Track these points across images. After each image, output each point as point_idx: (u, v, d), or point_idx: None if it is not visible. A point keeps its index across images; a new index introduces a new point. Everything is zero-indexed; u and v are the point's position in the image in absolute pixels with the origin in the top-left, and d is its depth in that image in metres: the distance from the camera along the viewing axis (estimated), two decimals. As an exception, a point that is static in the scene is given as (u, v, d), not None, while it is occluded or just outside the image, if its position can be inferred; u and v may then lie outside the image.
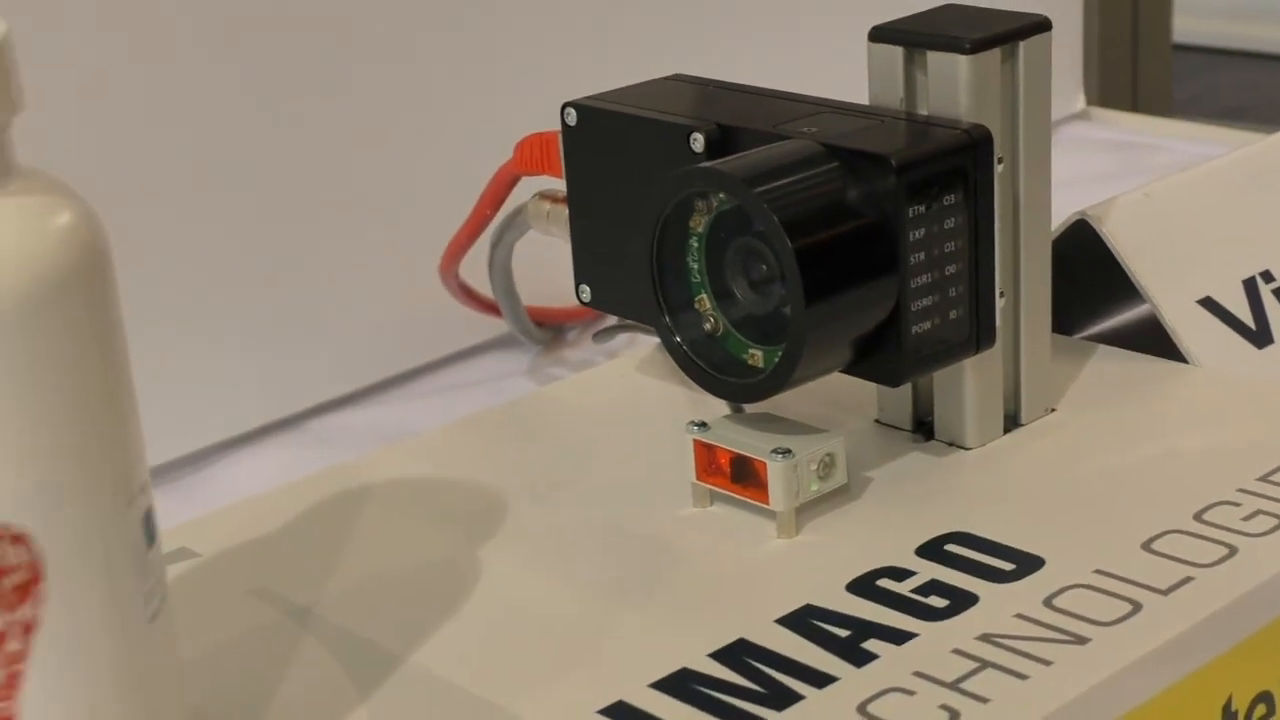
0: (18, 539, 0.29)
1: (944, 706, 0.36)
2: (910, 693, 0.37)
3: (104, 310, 0.31)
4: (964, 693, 0.37)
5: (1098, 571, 0.41)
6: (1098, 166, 0.85)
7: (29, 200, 0.30)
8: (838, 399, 0.49)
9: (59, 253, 0.30)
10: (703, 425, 0.44)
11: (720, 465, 0.44)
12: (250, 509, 0.47)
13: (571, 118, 0.48)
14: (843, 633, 0.39)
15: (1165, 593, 0.40)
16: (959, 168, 0.43)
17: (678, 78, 0.50)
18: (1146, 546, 0.41)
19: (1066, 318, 0.52)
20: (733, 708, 0.37)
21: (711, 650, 0.39)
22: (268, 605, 0.42)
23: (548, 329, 0.66)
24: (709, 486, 0.44)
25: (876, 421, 0.48)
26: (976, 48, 0.44)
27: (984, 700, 0.36)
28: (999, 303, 0.45)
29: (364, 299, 0.65)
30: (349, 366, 0.66)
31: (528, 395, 0.54)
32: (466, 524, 0.45)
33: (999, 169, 0.44)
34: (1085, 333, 0.54)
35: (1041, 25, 0.45)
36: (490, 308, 0.62)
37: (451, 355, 0.68)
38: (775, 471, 0.43)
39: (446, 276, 0.59)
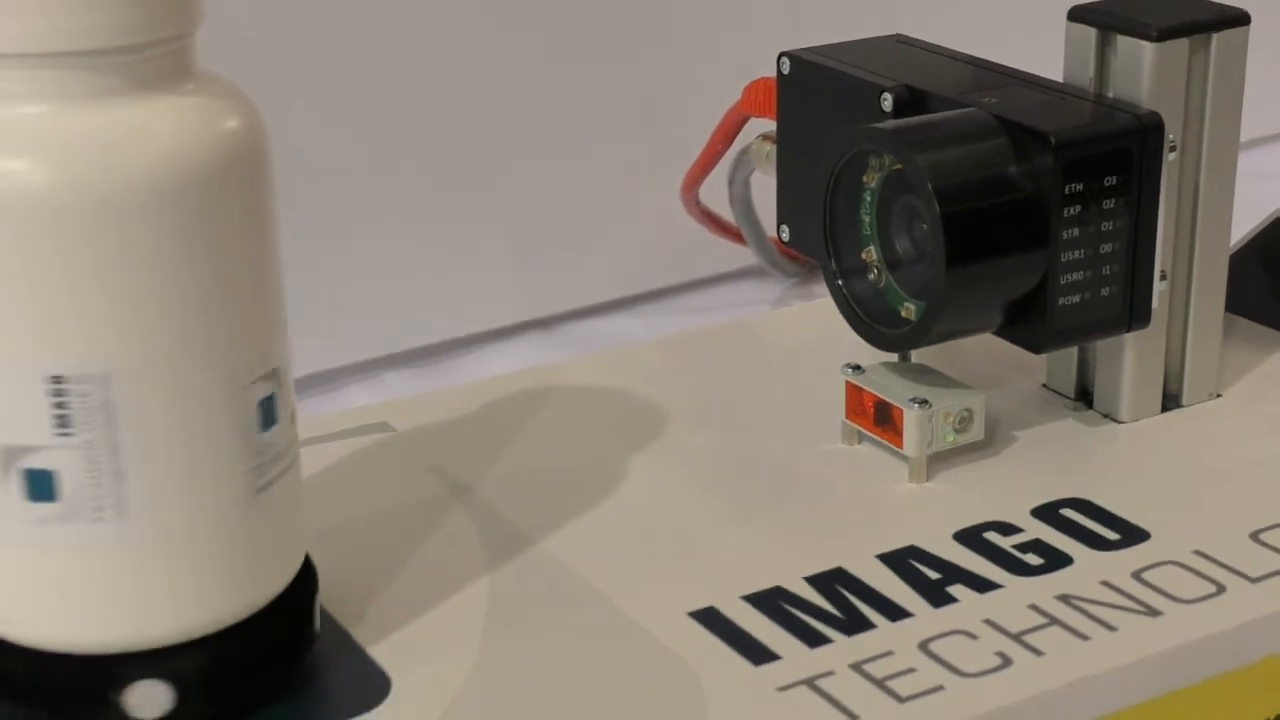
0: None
1: (999, 653, 0.39)
2: (974, 637, 0.39)
3: (246, 206, 0.35)
4: (1024, 644, 0.39)
5: (1196, 552, 0.42)
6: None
7: (197, 101, 0.35)
8: (1018, 360, 0.51)
9: (213, 150, 0.34)
10: (857, 368, 0.47)
11: (866, 407, 0.47)
12: (450, 396, 0.52)
13: (785, 67, 0.51)
14: (934, 575, 0.42)
15: (1254, 580, 0.41)
16: (1123, 151, 0.44)
17: (898, 38, 0.52)
18: (1255, 536, 0.43)
19: (1270, 311, 0.53)
20: (807, 626, 0.40)
21: (808, 574, 0.42)
22: (437, 481, 0.46)
23: (803, 265, 0.69)
24: (856, 426, 0.47)
25: (1044, 386, 0.50)
26: (1163, 36, 0.45)
27: (1039, 654, 0.39)
28: (1159, 285, 0.46)
29: (628, 216, 0.69)
30: (606, 278, 0.71)
31: (728, 322, 0.57)
32: (631, 434, 0.49)
33: (1171, 157, 0.45)
34: (1286, 326, 0.54)
35: (1239, 19, 0.46)
36: (734, 234, 0.65)
37: (708, 278, 0.72)
38: (911, 419, 0.45)
39: (687, 202, 0.63)
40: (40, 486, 0.34)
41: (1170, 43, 0.45)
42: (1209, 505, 0.44)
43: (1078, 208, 0.44)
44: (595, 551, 0.43)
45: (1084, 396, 0.49)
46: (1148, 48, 0.45)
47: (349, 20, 0.63)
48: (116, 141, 0.33)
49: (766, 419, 0.49)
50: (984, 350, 0.51)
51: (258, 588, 0.36)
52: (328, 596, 0.41)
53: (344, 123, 0.64)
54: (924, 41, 0.51)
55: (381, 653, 0.39)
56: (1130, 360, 0.48)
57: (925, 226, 0.45)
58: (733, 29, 0.68)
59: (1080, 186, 0.44)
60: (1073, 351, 0.49)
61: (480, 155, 0.67)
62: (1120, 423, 0.48)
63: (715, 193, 0.64)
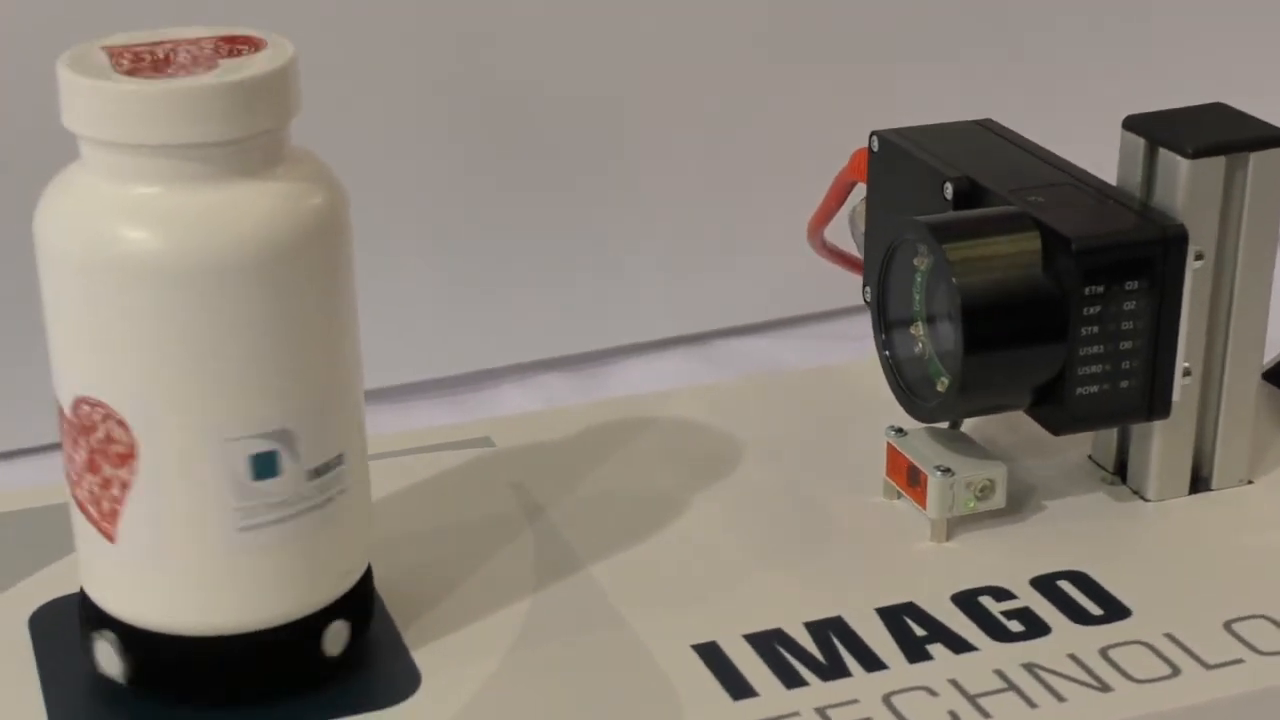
0: (120, 423, 0.41)
1: (951, 711, 0.43)
2: (935, 694, 0.44)
3: (312, 283, 0.42)
4: (975, 705, 0.43)
5: (1167, 635, 0.46)
6: None
7: (284, 185, 0.41)
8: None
9: (295, 228, 0.41)
10: (900, 431, 0.52)
11: (901, 468, 0.51)
12: (553, 417, 0.58)
13: (875, 144, 0.56)
14: (920, 632, 0.46)
15: (1209, 667, 0.45)
16: (1145, 259, 0.48)
17: (985, 124, 0.56)
18: (1228, 625, 0.46)
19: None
20: (791, 669, 0.45)
21: (809, 619, 0.47)
22: (515, 498, 0.53)
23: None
24: (894, 484, 0.52)
25: (1089, 457, 0.54)
26: (1199, 153, 0.49)
27: (986, 716, 0.43)
28: (1181, 380, 0.50)
29: (781, 240, 0.74)
30: (758, 299, 0.76)
31: (822, 367, 0.62)
32: (700, 468, 0.54)
33: (1198, 265, 0.49)
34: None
35: (1277, 139, 0.49)
36: (859, 267, 0.70)
37: (855, 306, 0.77)
38: (934, 485, 0.50)
39: (813, 244, 0.68)
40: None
41: (1206, 160, 0.49)
42: (1199, 590, 0.48)
43: (1097, 308, 0.48)
44: (632, 578, 0.49)
45: (1121, 471, 0.53)
46: (1184, 163, 0.49)
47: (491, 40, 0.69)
48: (215, 217, 0.40)
49: (828, 465, 0.54)
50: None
51: (247, 613, 0.43)
52: (393, 596, 0.48)
53: (502, 140, 0.70)
54: (1007, 130, 0.56)
55: (422, 654, 0.46)
56: (1159, 442, 0.51)
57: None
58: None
59: (1100, 289, 0.48)
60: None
61: (646, 175, 0.73)
62: (1147, 500, 0.52)
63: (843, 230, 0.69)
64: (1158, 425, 0.51)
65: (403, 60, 0.68)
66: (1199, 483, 0.53)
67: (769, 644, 0.46)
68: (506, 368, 0.73)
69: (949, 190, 0.52)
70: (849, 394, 0.59)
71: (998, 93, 0.76)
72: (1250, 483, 0.53)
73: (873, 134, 0.56)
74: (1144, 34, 0.79)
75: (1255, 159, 0.49)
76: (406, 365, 0.72)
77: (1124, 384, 0.49)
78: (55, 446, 0.44)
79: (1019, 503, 0.52)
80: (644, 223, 0.74)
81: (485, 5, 0.68)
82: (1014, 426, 0.55)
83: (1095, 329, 0.48)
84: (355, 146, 0.67)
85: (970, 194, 0.52)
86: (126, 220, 0.40)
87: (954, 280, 0.48)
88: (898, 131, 0.56)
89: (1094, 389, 0.49)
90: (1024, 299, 0.48)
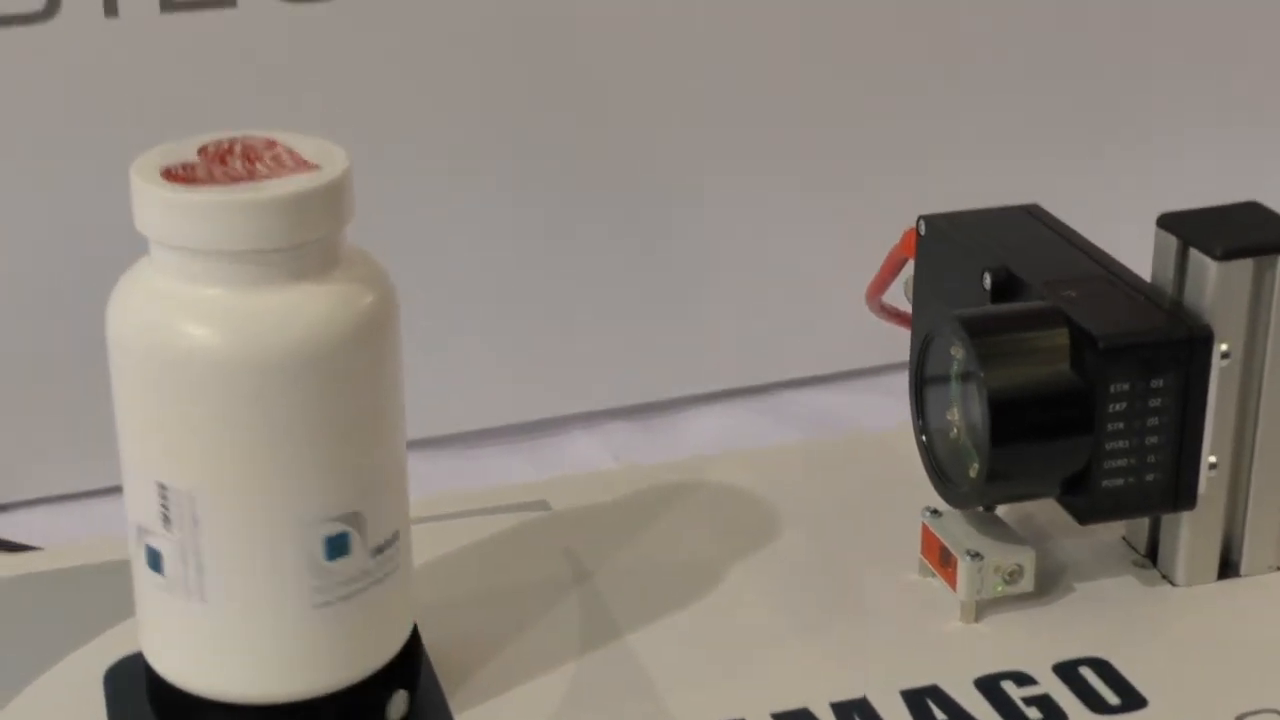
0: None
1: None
2: (949, 780, 0.46)
3: (364, 380, 0.44)
4: (982, 793, 0.45)
5: (1177, 727, 0.48)
6: None
7: (336, 288, 0.44)
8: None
9: (346, 328, 0.44)
10: (935, 513, 0.54)
11: (934, 548, 0.53)
12: (608, 479, 0.60)
13: (922, 228, 0.58)
14: (942, 717, 0.48)
15: (1214, 762, 0.46)
16: (1171, 358, 0.50)
17: (1031, 210, 0.58)
18: (1240, 717, 0.48)
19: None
20: (813, 749, 0.47)
21: (835, 700, 0.49)
22: (566, 563, 0.55)
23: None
24: (928, 563, 0.54)
25: (1122, 538, 0.56)
26: (1228, 255, 0.50)
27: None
28: (1208, 473, 0.51)
29: (844, 294, 0.76)
30: (821, 351, 0.78)
31: (871, 434, 0.64)
32: (746, 536, 0.56)
33: (1224, 364, 0.50)
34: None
35: (1306, 243, 0.51)
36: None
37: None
38: (963, 569, 0.52)
39: (871, 308, 0.70)
40: (154, 561, 0.45)
41: (1234, 262, 0.50)
42: (1216, 680, 0.50)
43: (1123, 404, 0.50)
44: (669, 650, 0.51)
45: (1152, 554, 0.55)
46: (1212, 265, 0.50)
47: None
48: (273, 318, 0.43)
49: (868, 538, 0.56)
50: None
51: (320, 679, 0.46)
52: (442, 659, 0.50)
53: (573, 187, 0.73)
54: (1050, 217, 0.57)
55: (466, 717, 0.48)
56: (1188, 530, 0.53)
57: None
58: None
59: (1126, 386, 0.50)
60: (1143, 513, 0.55)
61: (711, 228, 0.75)
62: (1175, 585, 0.54)
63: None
64: (1185, 514, 0.53)
65: (468, 106, 0.70)
66: (1228, 567, 0.54)
67: (794, 723, 0.48)
68: (575, 415, 0.76)
69: (988, 280, 0.54)
70: (896, 463, 0.61)
71: (1054, 174, 0.77)
72: (1279, 569, 0.54)
73: (920, 218, 0.58)
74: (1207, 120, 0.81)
75: (1285, 261, 0.51)
76: (478, 411, 0.74)
77: (1150, 477, 0.51)
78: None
79: (1049, 583, 0.54)
80: (711, 274, 0.76)
81: (547, 52, 0.71)
82: (1051, 503, 0.56)
83: (1121, 424, 0.50)
84: (424, 192, 0.70)
85: (1008, 284, 0.53)
86: (191, 319, 0.43)
87: (983, 375, 0.49)
88: (945, 217, 0.57)
89: (1120, 481, 0.51)
90: (1051, 394, 0.50)
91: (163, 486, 0.44)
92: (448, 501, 0.58)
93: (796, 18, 0.73)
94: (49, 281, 0.66)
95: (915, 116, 0.76)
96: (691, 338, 0.77)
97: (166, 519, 0.44)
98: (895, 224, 0.63)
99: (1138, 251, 0.54)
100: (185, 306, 0.43)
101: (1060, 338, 0.50)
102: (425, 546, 0.52)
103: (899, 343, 0.77)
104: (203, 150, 0.44)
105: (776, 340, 0.77)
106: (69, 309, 0.66)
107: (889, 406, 0.75)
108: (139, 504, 0.45)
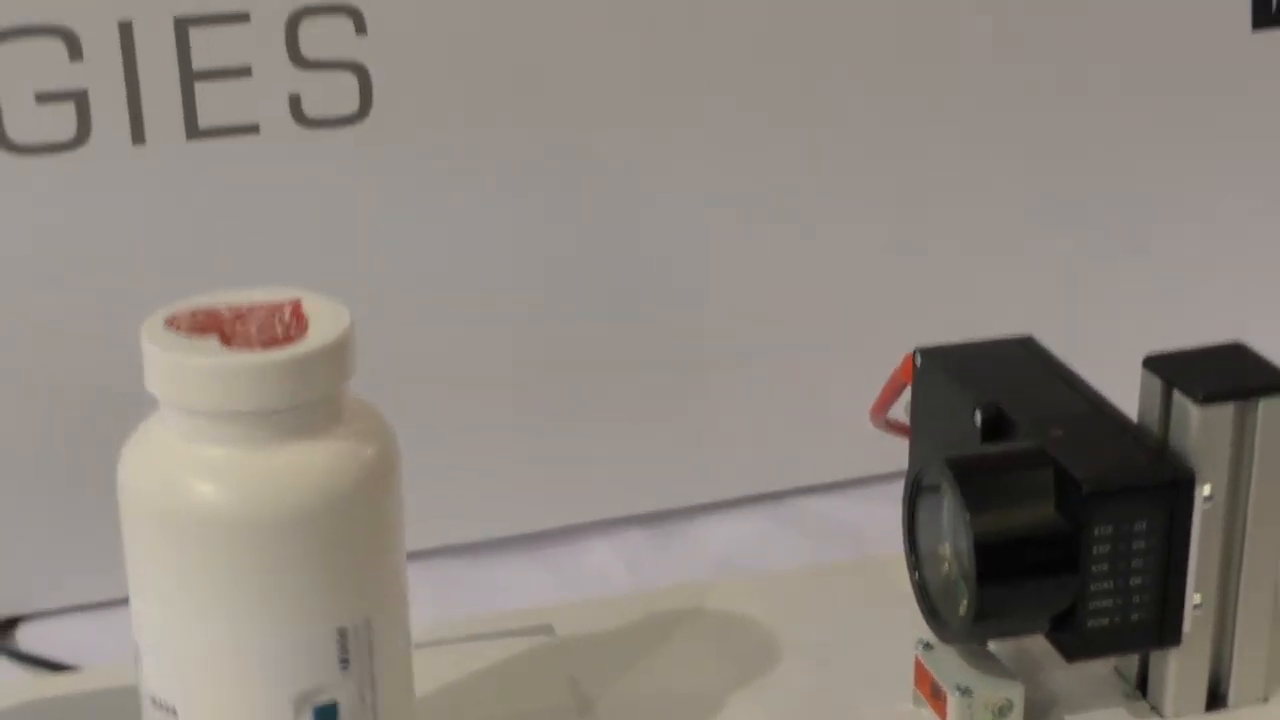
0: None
1: None
2: None
3: (371, 521, 0.46)
4: None
5: None
6: None
7: (340, 444, 0.46)
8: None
9: (350, 481, 0.45)
10: (927, 646, 0.55)
11: (926, 682, 0.55)
12: (613, 605, 0.62)
13: (918, 360, 0.59)
14: None
15: None
16: (1155, 501, 0.51)
17: (1026, 343, 0.59)
18: None
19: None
20: None
21: (823, 835, 0.50)
22: (568, 692, 0.57)
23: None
24: (921, 695, 0.55)
25: (1114, 669, 0.57)
26: (1209, 399, 0.51)
27: None
28: (1193, 612, 0.52)
29: (859, 401, 0.78)
30: (835, 459, 0.79)
31: (876, 558, 0.65)
32: (744, 665, 0.58)
33: (1207, 506, 0.52)
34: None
35: (1282, 387, 0.52)
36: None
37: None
38: (953, 704, 0.53)
39: (876, 424, 0.71)
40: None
41: (1216, 406, 0.51)
42: (1201, 816, 0.51)
43: (1107, 546, 0.51)
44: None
45: (1142, 685, 0.56)
46: (1194, 409, 0.52)
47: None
48: (278, 475, 0.45)
49: (866, 667, 0.58)
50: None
51: None
52: (444, 793, 0.52)
53: (603, 297, 0.74)
54: (1044, 351, 0.58)
55: None
56: (1175, 663, 0.54)
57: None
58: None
59: (1110, 528, 0.51)
60: (1133, 644, 0.56)
61: (728, 337, 0.77)
62: (1164, 718, 0.55)
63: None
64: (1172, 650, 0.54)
65: (485, 230, 0.72)
66: (1216, 699, 0.55)
67: None
68: (593, 523, 0.77)
69: (978, 418, 0.55)
70: (895, 588, 0.62)
71: (1052, 304, 0.79)
72: (1266, 700, 0.55)
73: (917, 350, 0.59)
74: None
75: (1264, 405, 0.52)
76: (495, 519, 0.76)
77: (1135, 616, 0.52)
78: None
79: (1040, 714, 0.55)
80: (724, 384, 0.77)
81: (566, 173, 0.72)
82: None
83: (1105, 565, 0.51)
84: (441, 303, 0.72)
85: (998, 420, 0.55)
86: (196, 476, 0.45)
87: (969, 518, 0.51)
88: (940, 351, 0.59)
89: (1105, 620, 0.52)
90: (1037, 536, 0.51)
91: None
92: (451, 627, 0.60)
93: (804, 153, 0.75)
94: (81, 393, 0.68)
95: (918, 245, 0.78)
96: (705, 447, 0.78)
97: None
98: (900, 342, 0.65)
99: (1135, 384, 0.56)
100: (191, 465, 0.45)
101: (1046, 480, 0.52)
102: (428, 673, 0.53)
103: (906, 452, 0.79)
104: (209, 311, 0.46)
105: (788, 448, 0.79)
106: (101, 419, 0.68)
107: (898, 515, 0.76)
108: (153, 674, 0.47)
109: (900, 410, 0.71)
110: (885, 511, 0.78)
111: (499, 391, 0.75)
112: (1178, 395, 0.52)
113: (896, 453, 0.79)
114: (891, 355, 0.71)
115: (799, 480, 0.80)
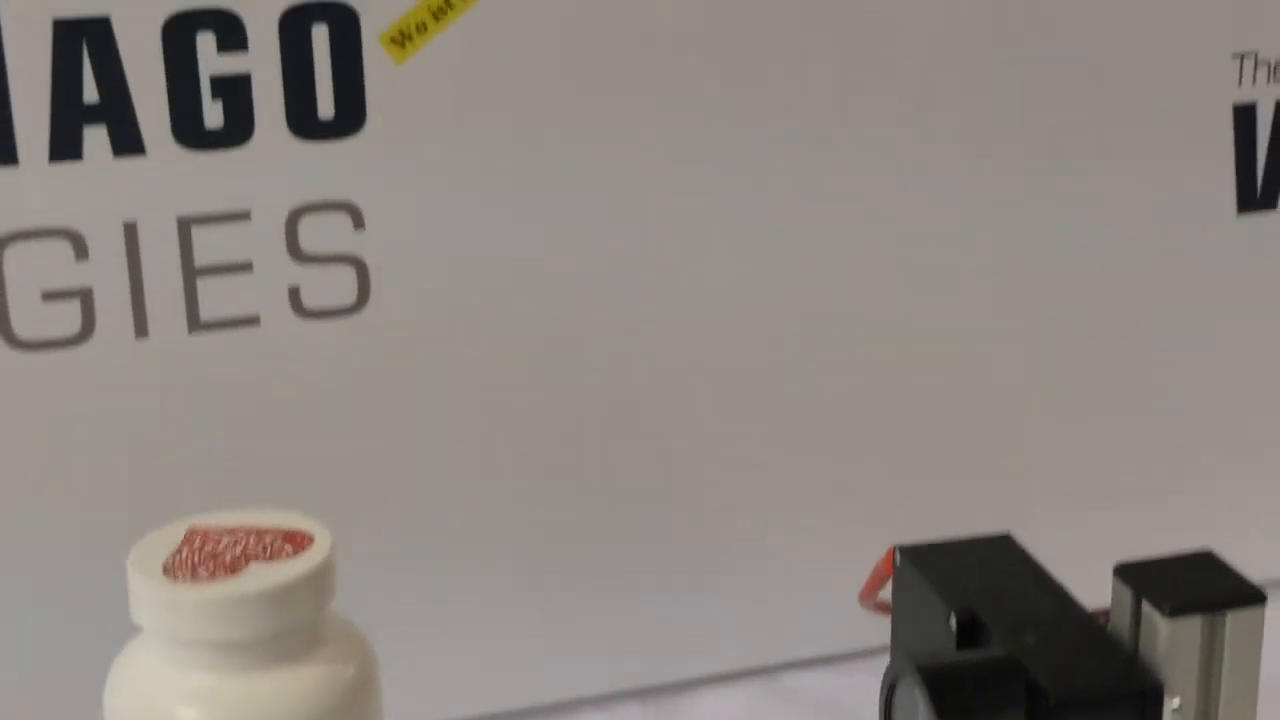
0: None
1: None
2: None
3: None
4: None
5: None
6: None
7: (322, 668, 0.47)
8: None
9: (331, 699, 0.47)
10: (903, 844, 0.56)
11: None
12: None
13: (898, 558, 0.60)
14: None
15: None
16: (1122, 712, 0.52)
17: (1004, 541, 0.60)
18: None
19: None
20: None
21: None
22: None
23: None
24: None
25: None
26: (1175, 612, 0.52)
27: None
28: (1163, 817, 0.53)
29: (848, 572, 0.79)
30: (823, 631, 0.80)
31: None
32: None
33: (1176, 718, 0.52)
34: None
35: (1254, 598, 0.53)
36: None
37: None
38: None
39: (865, 606, 0.72)
40: None
41: (1183, 619, 0.52)
42: None
43: (1076, 756, 0.52)
44: None
45: None
46: (1162, 621, 0.53)
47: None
48: (259, 701, 0.46)
49: None
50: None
51: None
52: None
53: (583, 474, 0.76)
54: (1021, 551, 0.60)
55: None
56: None
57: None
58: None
59: (1078, 739, 0.52)
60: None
61: (716, 512, 0.78)
62: None
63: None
64: None
65: (480, 425, 0.74)
66: None
67: None
68: (588, 697, 0.78)
69: (953, 622, 0.56)
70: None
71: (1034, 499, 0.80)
72: None
73: (896, 549, 0.60)
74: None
75: (1232, 618, 0.53)
76: (490, 694, 0.77)
77: (1106, 821, 0.53)
78: None
79: None
80: (717, 559, 0.79)
81: (562, 365, 0.74)
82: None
83: (1076, 775, 0.52)
84: (437, 493, 0.73)
85: (971, 626, 0.56)
86: (180, 702, 0.46)
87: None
88: (918, 550, 0.60)
89: (1076, 827, 0.53)
90: (1006, 747, 0.52)
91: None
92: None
93: (788, 338, 0.76)
94: (83, 593, 0.69)
95: (906, 439, 0.79)
96: (697, 621, 0.79)
97: None
98: (891, 526, 0.66)
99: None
100: (174, 691, 0.46)
101: (1017, 690, 0.53)
102: None
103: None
104: (191, 537, 0.48)
105: (781, 623, 0.80)
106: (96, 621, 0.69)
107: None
108: None
109: (889, 592, 0.72)
110: (878, 687, 0.79)
111: (490, 569, 0.76)
112: (1146, 606, 0.53)
113: (885, 629, 0.80)
114: (880, 534, 0.73)
115: (791, 654, 0.81)
